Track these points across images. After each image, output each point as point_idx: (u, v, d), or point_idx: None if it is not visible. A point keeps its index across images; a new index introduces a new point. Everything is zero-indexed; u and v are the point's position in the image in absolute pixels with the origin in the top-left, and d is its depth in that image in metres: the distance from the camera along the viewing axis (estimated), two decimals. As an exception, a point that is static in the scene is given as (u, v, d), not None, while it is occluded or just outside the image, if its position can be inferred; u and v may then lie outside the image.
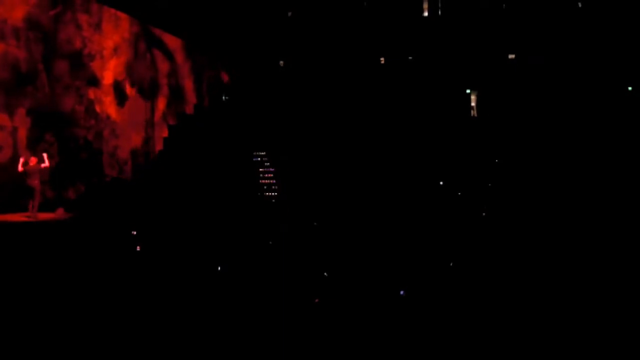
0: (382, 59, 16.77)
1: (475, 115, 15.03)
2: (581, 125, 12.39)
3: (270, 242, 8.64)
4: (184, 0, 16.32)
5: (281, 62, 17.82)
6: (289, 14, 18.00)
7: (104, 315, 5.52)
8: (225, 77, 19.16)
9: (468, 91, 15.10)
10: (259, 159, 14.11)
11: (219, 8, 17.15)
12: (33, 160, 10.79)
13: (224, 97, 18.09)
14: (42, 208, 10.96)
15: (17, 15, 12.20)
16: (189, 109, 17.23)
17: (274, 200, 12.79)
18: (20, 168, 10.73)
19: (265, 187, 13.37)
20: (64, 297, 6.11)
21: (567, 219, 9.28)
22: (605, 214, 9.25)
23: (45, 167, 10.97)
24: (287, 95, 15.62)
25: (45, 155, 11.16)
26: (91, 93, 14.16)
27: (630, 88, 13.43)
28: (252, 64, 18.05)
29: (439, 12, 16.71)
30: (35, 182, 10.80)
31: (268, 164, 13.97)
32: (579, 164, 11.36)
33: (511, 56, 15.38)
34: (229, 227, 9.81)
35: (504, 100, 14.25)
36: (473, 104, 15.14)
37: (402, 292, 6.21)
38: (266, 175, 13.71)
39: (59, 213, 11.32)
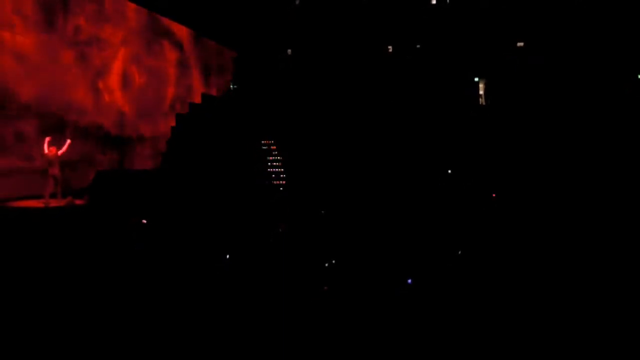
0: (389, 47, 16.67)
1: (484, 103, 14.95)
2: (593, 113, 12.29)
3: (280, 230, 8.70)
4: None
5: (289, 51, 17.79)
6: (297, 1, 17.92)
7: (103, 299, 5.61)
8: (233, 66, 19.14)
9: (476, 79, 15.01)
10: (267, 147, 14.14)
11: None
12: (52, 150, 11.04)
13: (232, 86, 18.11)
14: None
15: (27, 4, 12.24)
16: (197, 98, 17.26)
17: (281, 189, 12.85)
18: (45, 150, 10.99)
19: (273, 176, 13.42)
20: (67, 280, 6.21)
21: (576, 208, 9.26)
22: (614, 203, 9.22)
23: (63, 153, 11.30)
24: (294, 83, 15.61)
25: (68, 141, 11.48)
26: (100, 83, 14.24)
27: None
28: (260, 52, 18.02)
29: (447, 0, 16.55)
30: (55, 171, 11.13)
31: (276, 152, 14.00)
32: (590, 152, 11.29)
33: (520, 44, 15.21)
34: (235, 215, 9.88)
35: (513, 88, 14.15)
36: (481, 92, 15.05)
37: (409, 281, 6.25)
38: (274, 164, 13.76)
39: (68, 200, 11.51)
